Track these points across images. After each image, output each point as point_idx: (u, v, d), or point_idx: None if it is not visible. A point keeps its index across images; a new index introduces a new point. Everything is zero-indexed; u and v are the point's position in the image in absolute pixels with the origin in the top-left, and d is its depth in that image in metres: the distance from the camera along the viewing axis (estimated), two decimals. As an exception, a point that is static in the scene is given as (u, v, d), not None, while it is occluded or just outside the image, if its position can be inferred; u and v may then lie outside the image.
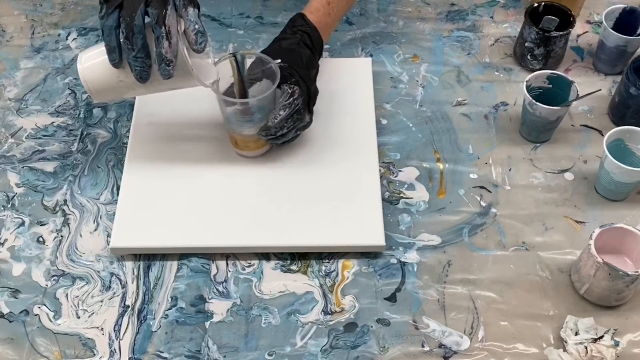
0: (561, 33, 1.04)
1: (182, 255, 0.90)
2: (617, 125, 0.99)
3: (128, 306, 0.86)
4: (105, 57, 0.82)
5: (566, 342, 0.81)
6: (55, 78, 1.09)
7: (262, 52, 0.94)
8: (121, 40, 0.80)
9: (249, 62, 0.92)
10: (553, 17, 1.07)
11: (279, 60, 0.92)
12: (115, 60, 0.81)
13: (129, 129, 1.00)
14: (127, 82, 0.84)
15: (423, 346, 0.83)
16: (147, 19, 0.79)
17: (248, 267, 0.89)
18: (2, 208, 0.95)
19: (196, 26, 0.81)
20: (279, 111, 0.90)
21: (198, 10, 0.82)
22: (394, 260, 0.90)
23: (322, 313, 0.85)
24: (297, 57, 0.93)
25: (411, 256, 0.90)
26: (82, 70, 0.85)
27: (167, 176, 0.94)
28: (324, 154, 0.97)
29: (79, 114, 1.05)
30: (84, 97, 1.06)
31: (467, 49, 1.14)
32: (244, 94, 0.93)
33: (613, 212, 0.94)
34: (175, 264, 0.89)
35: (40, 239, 0.92)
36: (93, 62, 0.85)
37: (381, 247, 0.89)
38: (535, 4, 1.07)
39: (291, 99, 0.90)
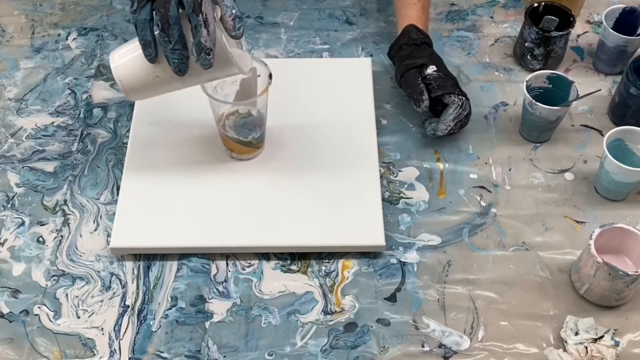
0: (561, 33, 1.04)
1: (182, 255, 0.90)
2: (617, 125, 0.99)
3: (128, 306, 0.86)
4: (139, 52, 0.79)
5: (566, 342, 0.81)
6: (55, 78, 1.09)
7: (420, 57, 0.99)
8: (156, 33, 0.77)
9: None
10: (553, 17, 1.07)
11: (435, 68, 0.97)
12: (151, 55, 0.79)
13: (129, 129, 1.00)
14: (164, 77, 0.81)
15: (423, 346, 0.83)
16: (178, 9, 0.77)
17: (248, 267, 0.89)
18: (2, 208, 0.95)
19: (233, 11, 0.78)
20: (449, 123, 0.95)
21: None
22: (394, 260, 0.90)
23: (322, 313, 0.85)
24: (444, 65, 1.00)
25: (411, 256, 0.90)
26: (115, 68, 0.82)
27: (167, 176, 0.94)
28: (324, 154, 0.97)
29: (79, 114, 1.05)
30: (84, 97, 1.06)
31: (467, 49, 1.14)
32: None
33: (613, 212, 0.94)
34: (175, 264, 0.89)
35: (40, 239, 0.92)
36: (126, 59, 0.82)
37: (381, 247, 0.89)
38: (535, 4, 1.07)
39: (460, 109, 0.96)
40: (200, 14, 0.75)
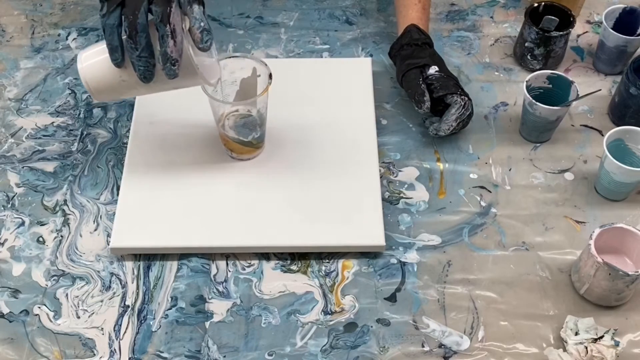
0: (561, 33, 1.04)
1: (182, 255, 0.90)
2: (617, 125, 0.99)
3: (128, 306, 0.86)
4: (106, 55, 0.80)
5: (566, 342, 0.81)
6: (55, 78, 1.09)
7: (422, 57, 0.99)
8: (124, 39, 0.78)
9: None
10: (553, 17, 1.07)
11: (437, 68, 0.97)
12: (117, 59, 0.79)
13: (129, 129, 1.00)
14: (130, 81, 0.82)
15: (423, 346, 0.83)
16: (150, 17, 0.77)
17: (248, 267, 0.89)
18: (2, 208, 0.95)
19: (202, 24, 0.79)
20: (451, 123, 0.95)
21: (203, 8, 0.80)
22: (394, 260, 0.90)
23: (322, 313, 0.85)
24: (445, 65, 1.00)
25: (411, 256, 0.90)
26: (82, 69, 0.83)
27: (167, 176, 0.94)
28: (324, 154, 0.97)
29: (79, 114, 1.05)
30: (84, 97, 1.06)
31: (467, 49, 1.14)
32: None
33: (613, 212, 0.94)
34: (175, 264, 0.89)
35: (40, 239, 0.92)
36: (93, 60, 0.83)
37: (381, 247, 0.89)
38: (535, 4, 1.07)
39: (462, 109, 0.95)
40: (168, 25, 0.76)
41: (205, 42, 0.79)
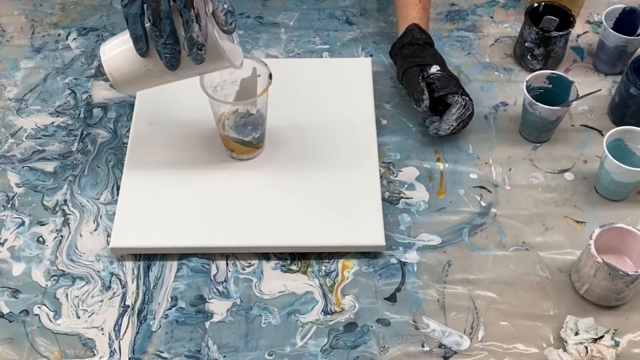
0: (561, 33, 1.04)
1: (182, 255, 0.90)
2: (617, 125, 0.99)
3: (128, 306, 0.86)
4: (129, 45, 0.79)
5: (566, 342, 0.81)
6: (55, 78, 1.09)
7: (423, 56, 0.99)
8: (147, 27, 0.77)
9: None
10: (553, 17, 1.07)
11: (438, 68, 0.97)
12: (142, 49, 0.78)
13: (129, 129, 1.00)
14: (155, 70, 0.81)
15: (423, 346, 0.83)
16: (172, 3, 0.76)
17: (248, 267, 0.89)
18: (2, 208, 0.95)
19: (225, 6, 0.78)
20: (452, 122, 0.95)
21: None
22: (394, 260, 0.90)
23: (322, 313, 0.85)
24: (446, 65, 1.00)
25: (411, 256, 0.90)
26: (106, 61, 0.82)
27: (167, 176, 0.94)
28: (324, 154, 0.97)
29: (79, 114, 1.05)
30: (84, 97, 1.06)
31: (467, 49, 1.14)
32: None
33: (613, 212, 0.94)
34: (175, 264, 0.89)
35: (40, 239, 0.92)
36: (117, 51, 0.82)
37: (381, 247, 0.89)
38: (535, 4, 1.07)
39: (463, 110, 0.95)
40: (192, 9, 0.75)
41: (230, 23, 0.79)
